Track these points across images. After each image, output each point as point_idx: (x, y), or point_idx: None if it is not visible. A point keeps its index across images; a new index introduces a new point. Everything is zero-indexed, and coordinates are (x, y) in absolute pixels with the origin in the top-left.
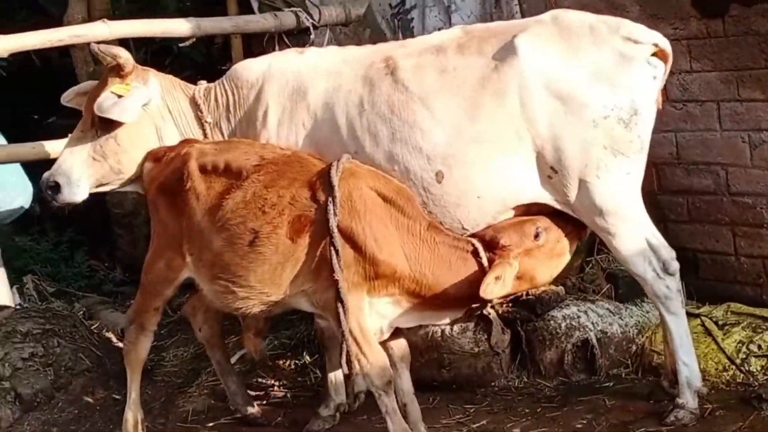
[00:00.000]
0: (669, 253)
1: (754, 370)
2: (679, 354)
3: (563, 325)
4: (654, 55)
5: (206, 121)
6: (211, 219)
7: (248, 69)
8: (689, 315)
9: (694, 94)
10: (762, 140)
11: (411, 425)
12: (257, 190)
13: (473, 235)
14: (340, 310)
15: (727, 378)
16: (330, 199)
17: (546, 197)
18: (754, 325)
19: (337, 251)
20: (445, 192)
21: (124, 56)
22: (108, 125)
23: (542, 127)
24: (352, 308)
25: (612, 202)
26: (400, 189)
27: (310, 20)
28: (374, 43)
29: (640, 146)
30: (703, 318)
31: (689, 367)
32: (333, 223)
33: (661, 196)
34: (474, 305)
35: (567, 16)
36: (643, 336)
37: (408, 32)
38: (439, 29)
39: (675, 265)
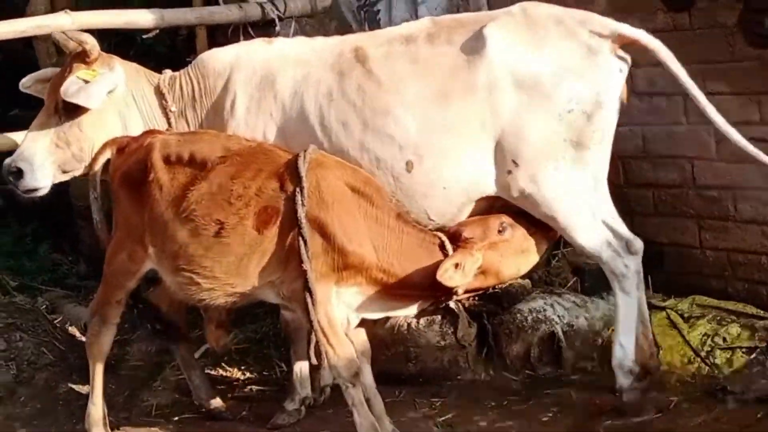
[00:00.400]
0: (631, 233)
1: (719, 363)
2: (619, 334)
3: (529, 318)
4: (623, 47)
5: (171, 110)
6: (175, 210)
7: (215, 58)
8: (655, 308)
9: (661, 88)
10: None
11: (375, 419)
12: (223, 182)
13: (440, 230)
14: (309, 300)
15: (693, 371)
16: (298, 189)
17: (505, 190)
18: (719, 318)
19: (305, 242)
20: (415, 182)
21: (91, 42)
22: (71, 112)
23: (506, 118)
24: (320, 299)
25: (562, 193)
26: (367, 179)
27: (276, 12)
28: (341, 35)
29: (600, 138)
30: (668, 311)
31: (624, 349)
32: (301, 213)
33: (627, 189)
34: (440, 297)
35: (535, 8)
36: (609, 329)
37: (374, 24)
38: (406, 21)
39: (638, 244)
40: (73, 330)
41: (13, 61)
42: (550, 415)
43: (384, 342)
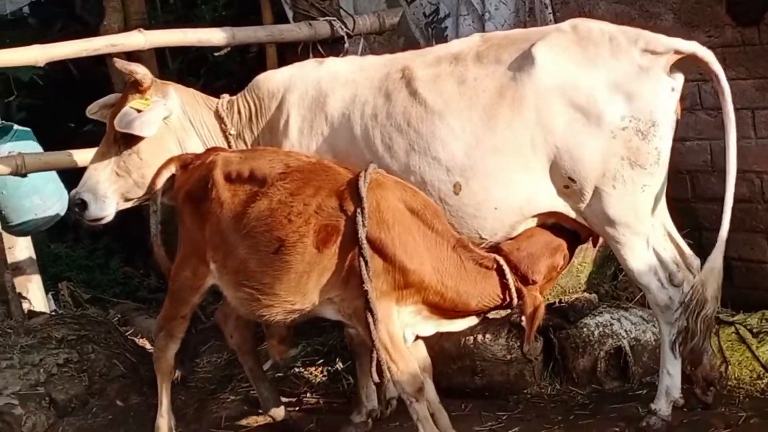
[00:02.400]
0: (675, 267)
1: None
2: (666, 363)
3: (596, 332)
4: (680, 61)
5: (230, 134)
6: (236, 226)
7: (270, 79)
8: (724, 323)
9: None
10: None
11: None
12: (283, 198)
13: (499, 249)
14: (370, 319)
15: (762, 386)
16: (358, 209)
17: (561, 206)
18: None
19: (366, 262)
20: (463, 203)
21: (141, 72)
22: (130, 140)
23: (559, 137)
24: (382, 317)
25: (625, 213)
26: (427, 203)
27: (345, 29)
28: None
29: (657, 158)
30: (737, 326)
31: (672, 377)
32: (362, 234)
33: (695, 203)
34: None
35: (586, 25)
36: None
37: (442, 41)
38: None
39: (680, 277)
40: (144, 342)
41: (87, 79)
42: (617, 429)
43: (450, 355)
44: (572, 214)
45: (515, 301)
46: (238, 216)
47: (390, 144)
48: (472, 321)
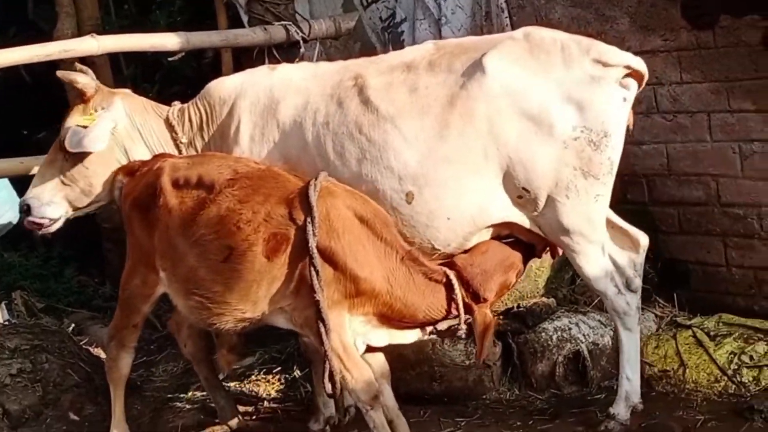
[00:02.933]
0: (633, 272)
1: (746, 381)
2: (625, 368)
3: (554, 337)
4: (627, 76)
5: (181, 142)
6: (185, 233)
7: (221, 86)
8: (681, 326)
9: (685, 105)
10: (752, 151)
11: None
12: (231, 205)
13: (452, 263)
14: (322, 329)
15: (719, 389)
16: (308, 219)
17: (516, 217)
18: (745, 336)
19: (317, 271)
20: (415, 212)
21: (82, 81)
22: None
23: (511, 147)
24: (334, 325)
25: (579, 222)
26: (377, 211)
27: (300, 34)
28: (365, 56)
29: (609, 168)
30: (694, 329)
31: (631, 383)
32: (312, 243)
33: (652, 207)
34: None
35: (539, 33)
36: None
37: (398, 45)
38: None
39: (637, 282)
40: (99, 351)
41: (40, 84)
42: None
43: (409, 361)
44: (527, 224)
45: (462, 315)
46: (186, 223)
47: (342, 152)
48: (421, 333)
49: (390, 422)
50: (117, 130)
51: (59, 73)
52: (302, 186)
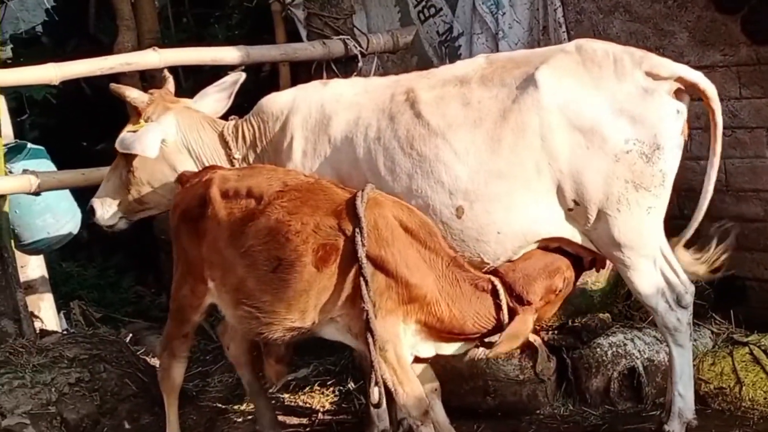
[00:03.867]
0: (684, 288)
1: None
2: (677, 385)
3: (609, 352)
4: (682, 89)
5: (234, 158)
6: (234, 244)
7: (273, 102)
8: (737, 343)
9: (744, 121)
10: None
11: None
12: (280, 217)
13: (496, 271)
14: (370, 339)
15: None
16: (357, 229)
17: (566, 231)
18: None
19: (366, 281)
20: (465, 227)
21: (131, 95)
22: (128, 159)
23: (563, 161)
24: (390, 335)
25: (630, 236)
26: (423, 222)
27: (358, 48)
28: (422, 70)
29: (662, 180)
30: (751, 346)
31: (684, 399)
32: (362, 253)
33: (709, 223)
34: (483, 338)
35: (591, 45)
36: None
37: (455, 59)
38: None
39: (688, 299)
40: (156, 362)
41: (100, 97)
42: None
43: (462, 375)
44: (578, 238)
45: (506, 320)
46: (235, 234)
47: (392, 167)
48: (468, 345)
49: None
50: (167, 144)
51: (112, 86)
52: (350, 197)
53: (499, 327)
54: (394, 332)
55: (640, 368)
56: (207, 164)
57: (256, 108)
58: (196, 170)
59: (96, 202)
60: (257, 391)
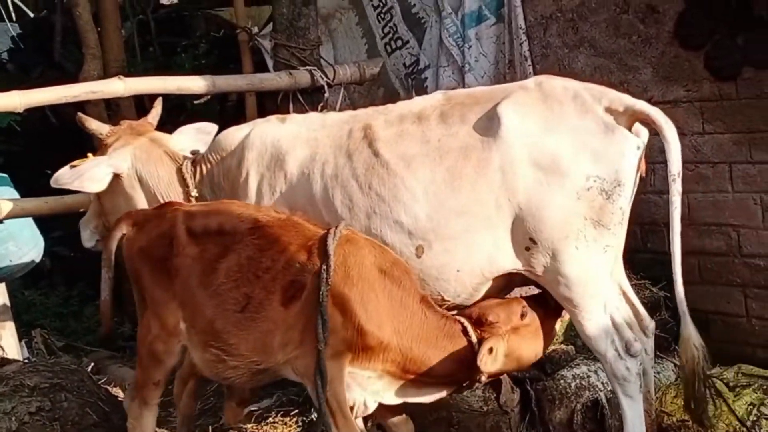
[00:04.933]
0: (632, 334)
1: None
2: None
3: (573, 384)
4: (640, 122)
5: (191, 195)
6: (204, 283)
7: (230, 137)
8: None
9: (707, 156)
10: None
11: None
12: (251, 254)
13: (460, 314)
14: (318, 381)
15: None
16: (324, 265)
17: (523, 267)
18: (765, 387)
19: (324, 321)
20: (425, 266)
21: (91, 127)
22: None
23: (522, 197)
24: (331, 377)
25: (584, 275)
26: (395, 261)
27: (325, 79)
28: (388, 102)
29: (621, 218)
30: (713, 379)
31: None
32: (324, 290)
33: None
34: (461, 383)
35: (550, 82)
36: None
37: (422, 91)
38: (453, 89)
39: (637, 347)
40: (117, 391)
41: (65, 126)
42: None
43: (426, 407)
44: (533, 276)
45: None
46: (206, 271)
47: (350, 205)
48: (441, 393)
49: None
50: (123, 177)
51: (78, 117)
52: (323, 233)
53: (471, 369)
54: (336, 374)
55: (604, 400)
56: (162, 199)
57: (214, 143)
58: (143, 207)
59: (81, 224)
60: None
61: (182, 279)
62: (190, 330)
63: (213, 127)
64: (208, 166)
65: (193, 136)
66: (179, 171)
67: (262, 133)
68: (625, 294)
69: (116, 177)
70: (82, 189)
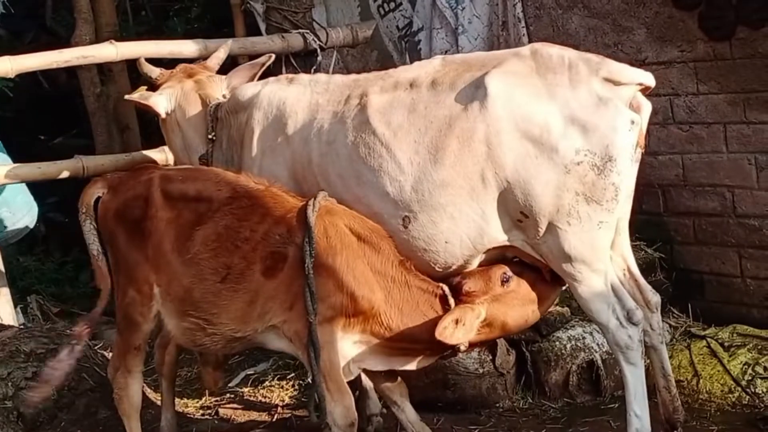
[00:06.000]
0: (633, 303)
1: (760, 392)
2: (632, 406)
3: (568, 346)
4: (641, 93)
5: (209, 138)
6: (180, 250)
7: (242, 93)
8: (695, 336)
9: (701, 117)
10: None
11: None
12: (230, 223)
13: (445, 282)
14: (312, 353)
15: (733, 400)
16: (306, 238)
17: (516, 241)
18: (760, 347)
19: (312, 292)
20: (412, 237)
21: (142, 71)
22: None
23: (510, 171)
24: (323, 342)
25: (581, 250)
26: (374, 229)
27: (317, 42)
28: (381, 66)
29: (614, 194)
30: (708, 339)
31: (640, 419)
32: (309, 263)
33: (667, 217)
34: (444, 351)
35: (546, 50)
36: (648, 357)
37: (415, 54)
38: (446, 52)
39: (639, 315)
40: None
41: (58, 91)
42: None
43: (422, 369)
44: (528, 250)
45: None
46: (181, 238)
47: (342, 173)
48: (424, 360)
49: None
50: (166, 119)
51: (140, 61)
52: (302, 204)
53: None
54: (329, 339)
55: (599, 361)
56: (191, 142)
57: (231, 96)
58: (180, 148)
59: None
60: (169, 404)
61: (155, 242)
62: (164, 296)
63: (267, 59)
64: (226, 116)
65: (245, 73)
66: (207, 114)
67: (270, 93)
68: (629, 269)
69: (164, 118)
70: (151, 107)
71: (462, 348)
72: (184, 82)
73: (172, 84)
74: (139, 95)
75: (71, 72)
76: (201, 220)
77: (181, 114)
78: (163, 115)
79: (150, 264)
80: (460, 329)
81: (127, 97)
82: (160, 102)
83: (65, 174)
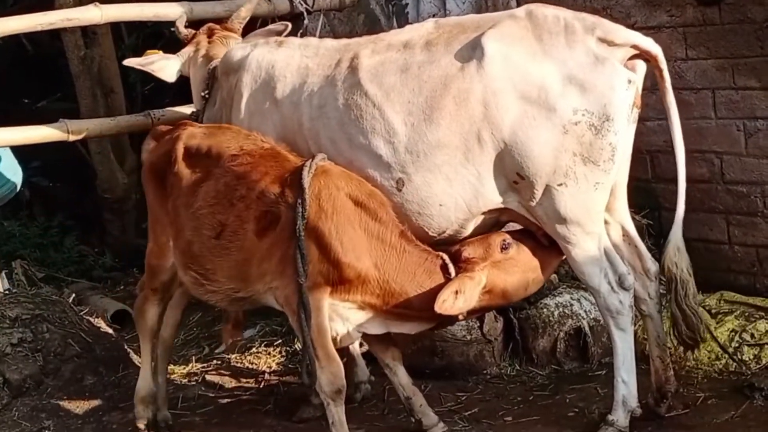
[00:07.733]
0: (625, 267)
1: (747, 359)
2: (620, 371)
3: (556, 313)
4: (635, 57)
5: (202, 95)
6: (186, 204)
7: (232, 56)
8: None
9: (690, 82)
10: (757, 128)
11: (419, 413)
12: (228, 180)
13: (444, 250)
14: (302, 315)
15: (720, 367)
16: (299, 199)
17: (511, 203)
18: (747, 314)
19: (302, 254)
20: (406, 200)
21: (176, 30)
22: None
23: (507, 132)
24: (312, 308)
25: (577, 211)
26: (372, 193)
27: (304, 5)
28: (368, 29)
29: (611, 154)
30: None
31: (627, 385)
32: (300, 224)
33: (655, 184)
34: (443, 318)
35: (542, 11)
36: (635, 324)
37: (402, 18)
38: (434, 15)
39: (630, 280)
40: (99, 322)
41: (42, 53)
42: (576, 410)
43: (410, 336)
44: (523, 212)
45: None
46: (188, 194)
47: (333, 137)
48: (423, 325)
49: (407, 399)
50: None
51: (177, 22)
52: (298, 165)
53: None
54: (317, 306)
55: (587, 328)
56: (194, 98)
57: (223, 57)
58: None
59: None
60: (163, 370)
61: (173, 198)
62: (175, 248)
63: (284, 25)
64: (221, 77)
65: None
66: (207, 73)
67: (259, 56)
68: (627, 234)
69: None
70: (153, 74)
71: (460, 317)
72: (201, 42)
73: (192, 45)
74: (142, 60)
75: (55, 35)
76: (206, 176)
77: (190, 74)
78: (169, 80)
79: (169, 218)
80: (460, 299)
81: (125, 62)
82: (167, 66)
83: (49, 138)
